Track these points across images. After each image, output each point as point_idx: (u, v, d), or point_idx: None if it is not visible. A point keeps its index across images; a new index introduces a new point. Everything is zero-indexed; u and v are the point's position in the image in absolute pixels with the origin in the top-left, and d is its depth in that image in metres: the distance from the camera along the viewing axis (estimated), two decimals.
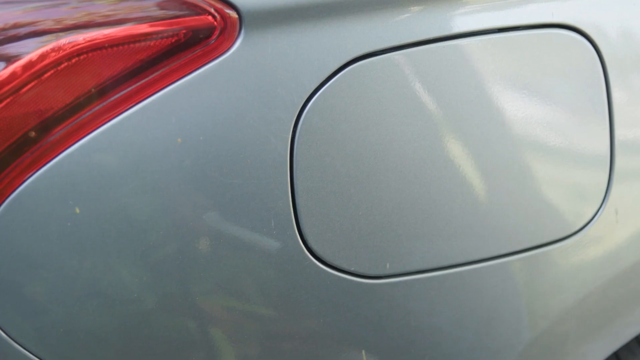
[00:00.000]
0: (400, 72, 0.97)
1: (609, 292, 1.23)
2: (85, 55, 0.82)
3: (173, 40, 0.85)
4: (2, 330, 0.88)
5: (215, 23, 0.86)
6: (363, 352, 1.04)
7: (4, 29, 0.82)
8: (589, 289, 1.19)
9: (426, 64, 0.98)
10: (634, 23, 1.12)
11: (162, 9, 0.85)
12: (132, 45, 0.83)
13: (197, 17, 0.85)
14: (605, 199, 1.17)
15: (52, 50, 0.80)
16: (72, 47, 0.81)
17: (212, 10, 0.85)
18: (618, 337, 1.28)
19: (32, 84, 0.80)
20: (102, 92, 0.84)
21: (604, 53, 1.10)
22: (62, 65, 0.81)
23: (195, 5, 0.85)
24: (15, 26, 0.83)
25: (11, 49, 0.82)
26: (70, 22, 0.82)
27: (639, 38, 1.12)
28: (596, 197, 1.17)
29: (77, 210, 0.85)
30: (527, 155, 1.06)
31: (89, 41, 0.82)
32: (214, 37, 0.86)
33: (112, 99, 0.84)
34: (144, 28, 0.84)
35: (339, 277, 1.00)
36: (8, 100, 0.80)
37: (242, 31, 0.87)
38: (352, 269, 1.01)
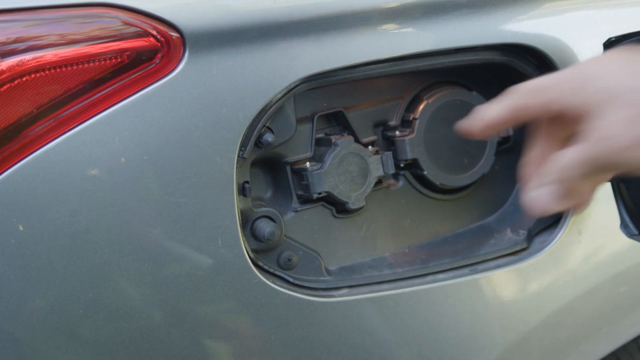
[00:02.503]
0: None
1: (574, 312, 1.22)
2: (27, 77, 0.83)
3: (116, 62, 0.86)
4: None
5: (158, 45, 0.87)
6: None
7: None
8: (551, 309, 1.18)
9: None
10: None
11: (105, 31, 0.86)
12: (75, 67, 0.85)
13: (140, 40, 0.87)
14: (568, 219, 1.17)
15: None
16: (15, 68, 0.83)
17: (155, 33, 0.87)
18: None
19: None
20: (46, 112, 0.85)
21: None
22: (4, 87, 0.82)
23: (139, 28, 0.86)
24: None
25: None
26: (12, 45, 0.83)
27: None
28: (559, 218, 1.17)
29: (21, 228, 0.86)
30: None
31: (32, 63, 0.83)
32: (157, 58, 0.88)
33: (56, 119, 0.85)
34: (87, 50, 0.85)
35: (289, 295, 1.01)
36: None
37: (187, 52, 0.89)
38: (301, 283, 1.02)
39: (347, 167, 1.03)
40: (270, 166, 1.05)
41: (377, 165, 1.05)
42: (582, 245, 1.19)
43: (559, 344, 1.20)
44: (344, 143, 1.03)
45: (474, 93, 1.13)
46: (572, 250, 1.19)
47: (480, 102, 1.12)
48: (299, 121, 1.03)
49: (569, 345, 1.23)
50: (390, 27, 1.00)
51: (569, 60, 1.11)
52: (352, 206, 1.04)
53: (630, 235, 1.01)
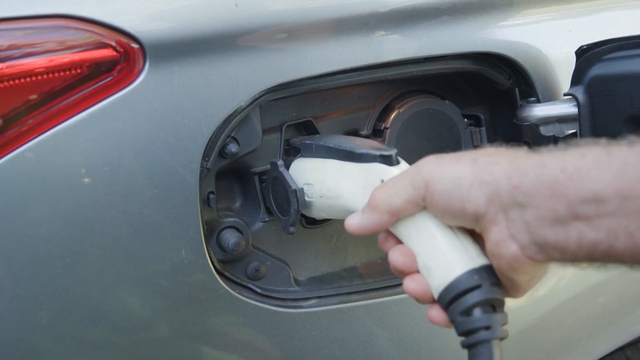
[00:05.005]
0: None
1: (550, 325, 1.21)
2: None
3: (76, 73, 0.86)
4: None
5: (117, 56, 0.87)
6: None
7: None
8: (525, 322, 1.17)
9: None
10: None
11: (64, 43, 0.86)
12: (34, 79, 0.85)
13: (99, 51, 0.87)
14: None
15: None
16: None
17: (114, 44, 0.87)
18: None
19: None
20: (5, 124, 0.85)
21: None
22: None
23: (98, 39, 0.86)
24: None
25: None
26: None
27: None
28: None
29: None
30: None
31: None
32: (117, 70, 0.87)
33: (14, 130, 0.85)
34: (46, 62, 0.85)
35: (256, 306, 1.01)
36: None
37: (147, 63, 0.88)
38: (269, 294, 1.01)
39: None
40: (239, 176, 1.05)
41: None
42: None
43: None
44: None
45: (447, 102, 1.12)
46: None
47: (452, 111, 1.11)
48: (267, 131, 1.02)
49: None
50: (356, 36, 0.99)
51: (543, 68, 1.10)
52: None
53: None
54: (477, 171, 0.68)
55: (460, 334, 0.69)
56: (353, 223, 0.79)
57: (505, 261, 0.68)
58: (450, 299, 0.69)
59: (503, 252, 0.68)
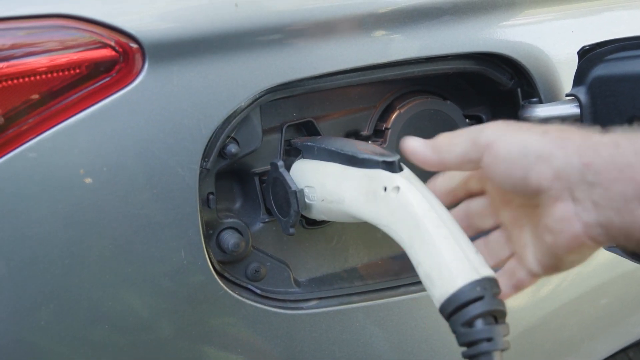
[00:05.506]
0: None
1: (551, 327, 1.20)
2: None
3: (75, 73, 0.86)
4: None
5: (117, 56, 0.87)
6: None
7: None
8: (527, 324, 1.17)
9: None
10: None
11: (63, 42, 0.86)
12: (33, 79, 0.84)
13: (98, 51, 0.86)
14: None
15: None
16: None
17: (113, 43, 0.86)
18: None
19: None
20: (4, 124, 0.85)
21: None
22: None
23: (97, 39, 0.86)
24: None
25: None
26: None
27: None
28: None
29: None
30: None
31: None
32: (116, 70, 0.87)
33: (13, 130, 0.85)
34: (45, 61, 0.85)
35: (256, 307, 1.00)
36: None
37: (146, 63, 0.88)
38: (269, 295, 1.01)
39: None
40: (238, 177, 1.04)
41: None
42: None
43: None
44: None
45: (448, 102, 1.11)
46: None
47: (454, 112, 1.10)
48: (267, 131, 1.02)
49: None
50: (357, 36, 0.98)
51: (545, 68, 1.10)
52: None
53: (608, 247, 0.99)
54: (547, 143, 0.67)
55: (461, 344, 0.69)
56: (411, 145, 0.78)
57: (565, 239, 0.67)
58: (453, 310, 0.69)
59: (565, 229, 0.66)
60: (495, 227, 0.81)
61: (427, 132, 1.03)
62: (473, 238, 0.78)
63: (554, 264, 0.72)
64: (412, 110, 1.08)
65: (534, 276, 0.76)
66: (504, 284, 0.76)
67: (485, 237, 0.82)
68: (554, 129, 0.69)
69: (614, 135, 0.65)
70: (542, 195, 0.68)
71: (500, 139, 0.70)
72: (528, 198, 0.70)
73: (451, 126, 1.10)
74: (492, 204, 0.81)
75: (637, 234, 0.63)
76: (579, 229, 0.66)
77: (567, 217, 0.66)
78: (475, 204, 0.82)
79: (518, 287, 0.78)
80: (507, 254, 0.79)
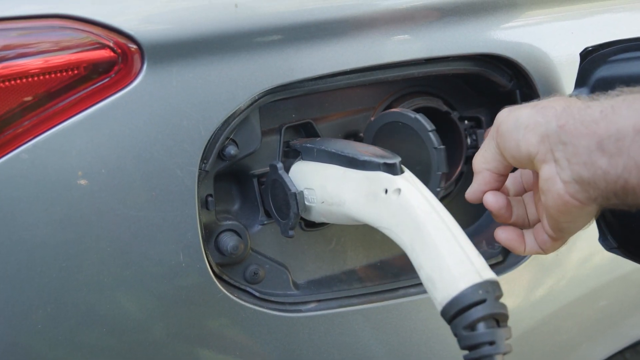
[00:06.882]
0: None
1: (550, 328, 1.20)
2: None
3: (73, 74, 0.85)
4: None
5: (115, 57, 0.86)
6: None
7: None
8: (526, 326, 1.17)
9: None
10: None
11: (62, 43, 0.85)
12: (31, 80, 0.84)
13: (97, 51, 0.85)
14: None
15: None
16: None
17: (112, 44, 0.85)
18: None
19: None
20: (1, 125, 0.84)
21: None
22: None
23: (95, 40, 0.85)
24: None
25: None
26: None
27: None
28: None
29: None
30: None
31: None
32: (115, 71, 0.86)
33: (10, 132, 0.84)
34: (43, 62, 0.84)
35: (255, 310, 0.99)
36: None
37: (145, 64, 0.87)
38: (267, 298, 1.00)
39: None
40: (237, 179, 1.03)
41: None
42: (559, 259, 1.17)
43: None
44: None
45: (417, 117, 0.99)
46: (548, 264, 1.16)
47: (420, 127, 1.01)
48: (266, 133, 1.01)
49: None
50: (356, 38, 0.98)
51: (545, 70, 1.09)
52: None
53: (610, 248, 0.99)
54: (534, 114, 0.74)
55: (463, 348, 0.68)
56: (469, 195, 0.87)
57: (552, 199, 0.72)
58: (455, 313, 0.69)
59: (551, 189, 0.72)
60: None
61: (396, 144, 0.99)
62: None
63: (555, 226, 0.78)
64: (382, 120, 1.02)
65: (552, 239, 0.82)
66: (530, 241, 0.85)
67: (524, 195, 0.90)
68: (545, 102, 0.76)
69: (588, 98, 0.72)
70: (534, 161, 0.74)
71: (501, 121, 0.79)
72: (528, 166, 0.76)
73: (417, 142, 0.99)
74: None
75: (601, 184, 0.68)
76: (560, 187, 0.71)
77: (551, 177, 0.72)
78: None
79: (542, 247, 0.84)
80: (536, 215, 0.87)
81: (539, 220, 0.85)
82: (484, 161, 0.83)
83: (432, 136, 0.93)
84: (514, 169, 0.89)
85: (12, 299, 0.87)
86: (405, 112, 0.97)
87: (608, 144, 0.66)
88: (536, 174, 0.77)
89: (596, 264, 1.23)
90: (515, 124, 0.75)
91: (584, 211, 0.72)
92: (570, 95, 1.03)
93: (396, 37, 1.00)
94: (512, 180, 0.90)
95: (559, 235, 0.80)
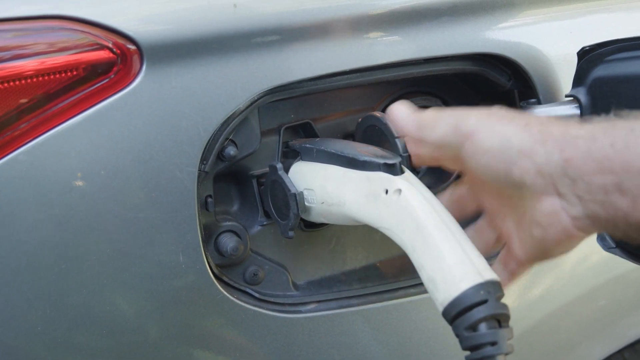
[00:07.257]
0: None
1: (549, 329, 1.20)
2: None
3: (72, 75, 0.85)
4: None
5: (114, 57, 0.86)
6: None
7: None
8: (525, 326, 1.17)
9: None
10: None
11: (60, 44, 0.84)
12: (29, 81, 0.83)
13: (96, 52, 0.85)
14: None
15: None
16: None
17: (111, 45, 0.85)
18: None
19: None
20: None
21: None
22: None
23: (94, 40, 0.85)
24: None
25: None
26: None
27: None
28: None
29: None
30: None
31: None
32: (114, 71, 0.86)
33: (8, 134, 0.84)
34: (42, 63, 0.84)
35: (255, 311, 0.99)
36: None
37: (144, 65, 0.87)
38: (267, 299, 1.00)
39: None
40: (236, 179, 1.03)
41: None
42: (557, 259, 1.17)
43: None
44: None
45: (385, 121, 1.00)
46: (547, 264, 1.16)
47: (386, 128, 1.01)
48: (265, 133, 1.01)
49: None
50: (355, 38, 0.98)
51: (543, 69, 1.09)
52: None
53: (608, 248, 0.99)
54: (528, 138, 0.68)
55: (465, 348, 0.68)
56: (397, 110, 0.81)
57: (554, 232, 0.69)
58: (456, 314, 0.69)
59: (554, 223, 0.68)
60: (478, 212, 0.83)
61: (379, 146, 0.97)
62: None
63: (542, 254, 0.73)
64: (365, 122, 0.97)
65: (524, 265, 0.77)
66: (500, 273, 0.77)
67: (474, 224, 0.83)
68: (535, 122, 0.70)
69: (590, 127, 0.66)
70: (524, 189, 0.69)
71: (482, 130, 0.71)
72: (509, 189, 0.71)
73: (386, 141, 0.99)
74: (471, 189, 0.82)
75: (622, 224, 0.64)
76: (568, 223, 0.67)
77: (555, 211, 0.68)
78: (459, 189, 0.84)
79: (513, 276, 0.79)
80: (493, 239, 0.82)
81: (494, 244, 0.81)
82: (431, 129, 0.77)
83: (398, 143, 0.89)
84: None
85: (11, 300, 0.87)
86: (380, 116, 0.94)
87: (629, 185, 0.62)
88: (513, 198, 0.72)
89: (594, 264, 1.23)
90: (505, 144, 0.69)
91: (586, 237, 0.70)
92: (567, 96, 1.03)
93: (395, 37, 1.00)
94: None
95: (541, 260, 0.75)
